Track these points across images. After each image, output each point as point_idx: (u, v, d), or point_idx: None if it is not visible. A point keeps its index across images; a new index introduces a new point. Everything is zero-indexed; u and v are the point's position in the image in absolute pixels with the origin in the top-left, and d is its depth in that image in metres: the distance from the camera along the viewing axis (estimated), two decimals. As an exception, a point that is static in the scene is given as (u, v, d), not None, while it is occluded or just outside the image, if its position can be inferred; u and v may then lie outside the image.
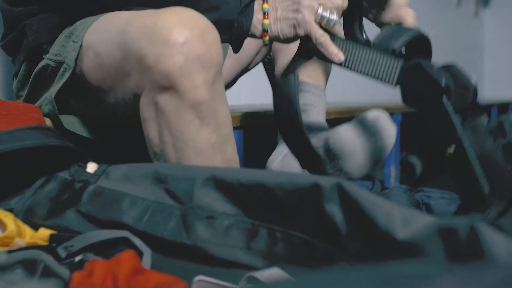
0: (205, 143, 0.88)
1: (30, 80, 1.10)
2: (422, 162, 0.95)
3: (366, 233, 0.61)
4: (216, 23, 0.91)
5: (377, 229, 0.60)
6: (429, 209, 1.18)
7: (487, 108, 4.39)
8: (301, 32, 0.97)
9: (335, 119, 1.59)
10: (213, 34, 0.88)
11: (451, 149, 0.89)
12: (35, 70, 1.09)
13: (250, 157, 1.55)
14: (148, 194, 0.74)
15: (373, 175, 1.14)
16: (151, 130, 0.90)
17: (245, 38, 0.99)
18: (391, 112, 2.67)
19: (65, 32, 1.05)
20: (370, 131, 1.09)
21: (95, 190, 0.77)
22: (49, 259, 0.63)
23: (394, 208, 0.60)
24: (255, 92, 2.18)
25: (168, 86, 0.86)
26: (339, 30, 0.99)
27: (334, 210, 0.64)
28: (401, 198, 1.21)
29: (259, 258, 0.68)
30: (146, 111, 0.90)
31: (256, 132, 1.63)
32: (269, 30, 0.98)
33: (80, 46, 1.00)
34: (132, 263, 0.60)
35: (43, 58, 1.08)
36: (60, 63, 1.04)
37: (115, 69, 0.94)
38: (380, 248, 0.60)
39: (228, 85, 1.44)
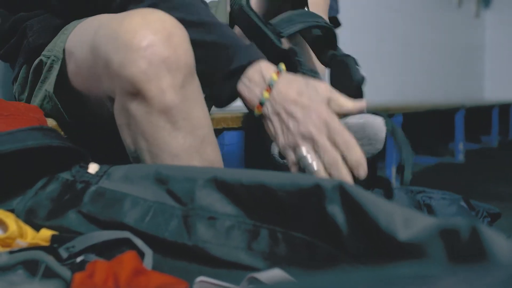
0: (179, 147, 0.86)
1: (29, 80, 1.10)
2: None
3: (367, 234, 0.61)
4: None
5: (379, 230, 0.60)
6: (430, 210, 1.18)
7: (488, 109, 4.38)
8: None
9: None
10: (180, 35, 0.84)
11: None
12: (31, 68, 1.08)
13: (251, 157, 1.55)
14: (149, 194, 0.74)
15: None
16: (126, 137, 0.89)
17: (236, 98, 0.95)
18: (392, 112, 2.67)
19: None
20: (359, 133, 1.02)
21: (96, 190, 0.77)
22: (50, 260, 0.63)
23: (395, 209, 0.60)
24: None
25: (135, 92, 0.83)
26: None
27: (336, 211, 0.64)
28: (402, 199, 1.20)
29: (261, 259, 0.68)
30: (119, 118, 0.88)
31: (257, 133, 1.63)
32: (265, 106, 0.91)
33: (64, 49, 1.00)
34: (134, 264, 0.60)
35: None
36: (51, 58, 1.04)
37: (91, 74, 0.93)
38: (381, 249, 0.60)
39: None
